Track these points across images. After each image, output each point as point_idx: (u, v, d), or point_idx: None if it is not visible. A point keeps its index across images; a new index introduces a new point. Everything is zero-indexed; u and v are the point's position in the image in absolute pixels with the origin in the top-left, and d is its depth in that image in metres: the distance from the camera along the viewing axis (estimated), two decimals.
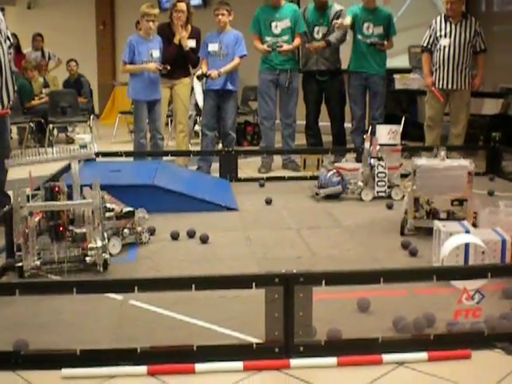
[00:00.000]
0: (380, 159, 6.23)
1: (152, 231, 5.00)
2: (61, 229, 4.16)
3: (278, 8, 7.74)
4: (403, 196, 5.73)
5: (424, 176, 4.89)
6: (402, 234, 4.96)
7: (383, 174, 6.23)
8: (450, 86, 7.78)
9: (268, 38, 7.71)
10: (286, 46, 7.64)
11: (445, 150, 5.04)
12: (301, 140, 8.62)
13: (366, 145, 6.42)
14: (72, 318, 3.48)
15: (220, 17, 7.49)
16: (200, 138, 8.21)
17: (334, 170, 6.31)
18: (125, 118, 11.24)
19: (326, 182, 6.23)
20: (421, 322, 3.18)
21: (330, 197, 6.21)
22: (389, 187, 6.25)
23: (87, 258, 4.07)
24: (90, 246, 4.05)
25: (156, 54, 7.31)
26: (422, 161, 5.01)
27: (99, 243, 4.04)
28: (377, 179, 6.23)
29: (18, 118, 9.81)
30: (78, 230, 4.17)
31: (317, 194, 6.19)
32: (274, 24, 7.70)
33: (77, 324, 3.41)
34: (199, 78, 7.61)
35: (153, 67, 7.27)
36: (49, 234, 4.15)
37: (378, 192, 6.24)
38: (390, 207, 5.84)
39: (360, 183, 6.31)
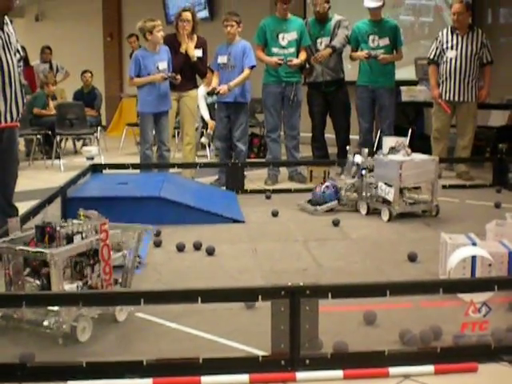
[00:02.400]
0: (370, 170, 6.21)
1: (158, 243, 5.02)
2: None
3: (286, 20, 7.76)
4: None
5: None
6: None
7: (374, 185, 6.20)
8: (456, 98, 7.79)
9: (275, 50, 7.72)
10: (295, 61, 7.65)
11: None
12: (306, 152, 8.63)
13: (350, 157, 6.41)
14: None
15: (229, 28, 7.50)
16: (212, 150, 8.22)
17: (326, 184, 6.34)
18: (132, 130, 11.28)
19: (320, 198, 6.27)
20: (427, 335, 3.17)
21: (331, 210, 6.23)
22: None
23: None
24: None
25: (163, 65, 7.31)
26: (401, 157, 5.91)
27: None
28: (367, 190, 6.21)
29: (26, 130, 9.84)
30: None
31: (315, 211, 6.19)
32: (281, 36, 7.71)
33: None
34: (210, 94, 7.62)
35: (158, 77, 7.27)
36: None
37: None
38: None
39: (354, 195, 6.32)
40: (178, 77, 7.35)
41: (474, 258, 3.75)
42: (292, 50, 7.72)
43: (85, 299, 3.00)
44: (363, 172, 6.22)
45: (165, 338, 3.36)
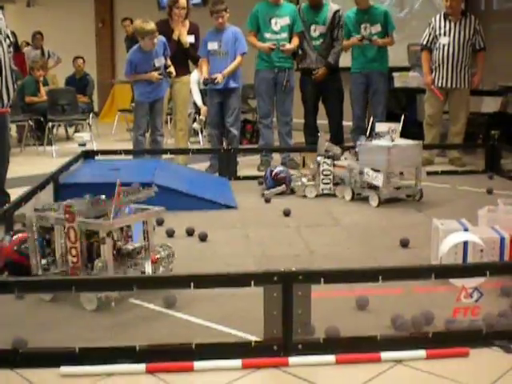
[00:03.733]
0: (327, 157, 6.25)
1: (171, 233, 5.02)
2: None
3: (278, 5, 7.73)
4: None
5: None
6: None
7: (328, 172, 6.25)
8: (449, 85, 7.80)
9: (267, 35, 7.70)
10: (288, 46, 7.64)
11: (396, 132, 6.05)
12: (298, 138, 8.61)
13: (320, 141, 6.44)
14: (71, 316, 3.49)
15: (220, 20, 7.48)
16: (204, 136, 8.19)
17: (280, 168, 6.45)
18: (124, 116, 11.25)
19: (269, 182, 6.37)
20: (419, 320, 3.18)
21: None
22: (334, 184, 6.29)
23: None
24: None
25: (159, 62, 7.22)
26: (388, 142, 5.95)
27: None
28: (322, 176, 6.26)
29: (18, 116, 9.81)
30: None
31: (263, 195, 6.23)
32: (273, 21, 7.69)
33: (75, 322, 3.42)
34: (205, 83, 7.59)
35: (154, 76, 7.21)
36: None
37: (322, 189, 6.28)
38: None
39: (304, 180, 6.36)
40: (173, 72, 7.30)
41: (465, 243, 3.76)
42: (284, 35, 7.70)
43: (79, 285, 3.00)
44: (318, 159, 6.27)
45: (158, 324, 3.36)
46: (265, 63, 7.79)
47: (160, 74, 7.23)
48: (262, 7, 7.81)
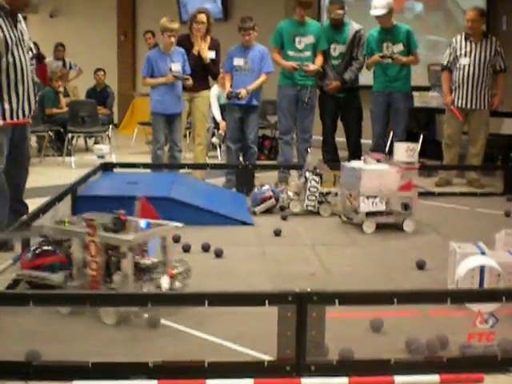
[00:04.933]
0: (315, 174, 6.23)
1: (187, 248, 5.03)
2: None
3: (303, 23, 7.75)
4: (331, 213, 6.17)
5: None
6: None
7: (315, 189, 6.22)
8: (469, 105, 7.77)
9: (290, 53, 7.73)
10: (312, 66, 7.67)
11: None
12: (317, 155, 8.60)
13: (308, 158, 6.42)
14: (85, 329, 3.50)
15: (247, 37, 7.53)
16: (223, 151, 8.21)
17: (265, 186, 6.44)
18: (143, 129, 11.29)
19: (256, 198, 6.37)
20: (434, 344, 3.16)
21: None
22: (319, 202, 6.27)
23: None
24: None
25: (176, 67, 7.31)
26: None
27: None
28: (308, 193, 6.24)
29: (38, 126, 9.87)
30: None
31: (254, 213, 6.24)
32: (297, 39, 7.71)
33: (90, 335, 3.43)
34: (229, 97, 7.62)
35: (170, 77, 7.29)
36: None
37: (307, 205, 6.25)
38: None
39: (290, 194, 6.37)
40: (190, 80, 7.35)
41: (482, 267, 3.74)
42: (308, 53, 7.72)
43: (93, 299, 3.01)
44: (307, 174, 6.26)
45: (171, 340, 3.37)
46: (287, 80, 7.81)
47: (175, 77, 7.28)
48: (286, 24, 7.83)
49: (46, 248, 4.04)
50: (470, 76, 7.73)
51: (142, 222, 3.75)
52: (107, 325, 3.52)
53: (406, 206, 5.86)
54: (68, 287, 3.71)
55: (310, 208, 6.25)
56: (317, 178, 6.23)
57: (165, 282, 3.73)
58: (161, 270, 3.82)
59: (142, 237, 3.70)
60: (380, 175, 5.73)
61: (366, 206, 5.66)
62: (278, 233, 5.55)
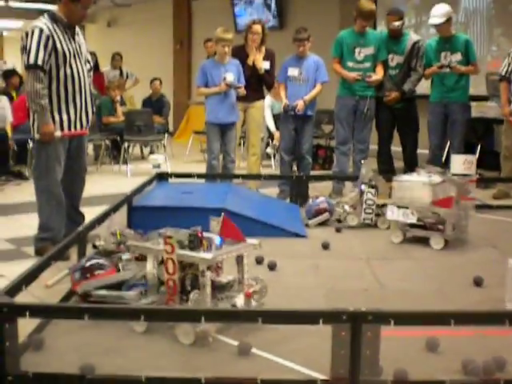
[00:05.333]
0: (371, 186, 6.14)
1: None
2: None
3: (363, 34, 7.70)
4: (389, 226, 5.95)
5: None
6: None
7: (371, 202, 6.15)
8: None
9: (350, 64, 7.69)
10: (374, 77, 7.63)
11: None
12: (372, 165, 8.53)
13: (363, 170, 6.33)
14: (138, 342, 3.52)
15: (301, 48, 7.51)
16: (277, 161, 8.20)
17: (320, 198, 6.40)
18: (198, 138, 11.36)
19: (310, 210, 6.35)
20: (490, 366, 3.09)
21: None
22: (376, 215, 6.19)
23: None
24: None
25: (230, 77, 7.32)
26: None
27: None
28: (364, 206, 6.17)
29: (95, 135, 10.02)
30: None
31: (307, 225, 6.20)
32: (357, 50, 7.67)
33: (150, 350, 3.45)
34: (286, 111, 7.60)
35: (223, 87, 7.31)
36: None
37: (364, 219, 6.18)
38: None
39: (346, 207, 6.28)
40: (243, 90, 7.36)
41: None
42: (368, 64, 7.68)
43: (146, 314, 3.03)
44: (362, 187, 6.18)
45: (224, 356, 3.36)
46: (346, 90, 7.77)
47: (227, 86, 7.30)
48: (346, 35, 7.79)
49: (92, 263, 4.09)
50: None
51: (216, 239, 3.72)
52: (169, 342, 3.52)
53: (439, 222, 5.62)
54: (141, 304, 3.71)
55: (367, 221, 6.20)
56: (373, 191, 6.16)
57: (240, 301, 3.72)
58: (236, 288, 3.81)
59: (220, 255, 3.66)
60: (411, 187, 5.66)
61: (393, 215, 5.63)
62: (326, 246, 5.51)
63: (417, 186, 5.64)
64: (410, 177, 5.88)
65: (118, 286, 3.97)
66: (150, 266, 3.77)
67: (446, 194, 5.58)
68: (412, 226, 5.65)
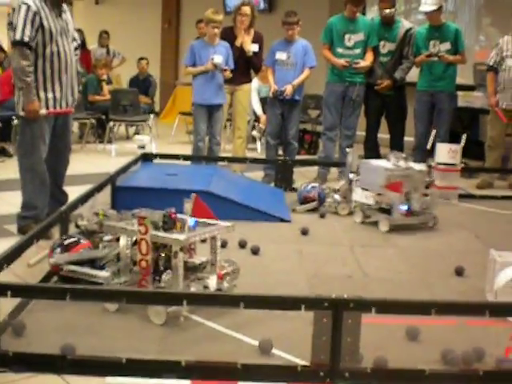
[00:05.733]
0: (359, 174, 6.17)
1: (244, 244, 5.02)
2: None
3: (353, 20, 7.68)
4: (350, 212, 6.10)
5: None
6: None
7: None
8: None
9: (340, 50, 7.67)
10: (362, 63, 7.62)
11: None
12: (358, 151, 8.53)
13: (349, 158, 6.34)
14: (120, 323, 3.52)
15: (290, 32, 7.48)
16: (262, 145, 8.18)
17: (312, 185, 6.40)
18: (184, 119, 11.32)
19: (300, 196, 6.36)
20: (470, 356, 3.12)
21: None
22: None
23: None
24: None
25: (218, 59, 7.28)
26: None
27: None
28: (354, 194, 6.15)
29: (80, 113, 9.94)
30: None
31: (294, 210, 6.20)
32: (347, 36, 7.65)
33: (125, 329, 3.45)
34: (275, 95, 7.57)
35: (209, 66, 7.27)
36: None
37: (354, 207, 6.15)
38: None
39: (337, 197, 6.27)
40: (229, 73, 7.33)
41: None
42: (358, 51, 7.67)
43: (127, 296, 3.03)
44: (351, 176, 6.18)
45: (206, 340, 3.36)
46: (336, 77, 7.75)
47: (214, 66, 7.27)
48: (336, 21, 7.77)
49: (70, 241, 4.08)
50: None
51: (191, 221, 3.72)
52: (142, 321, 3.53)
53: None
54: (114, 284, 3.71)
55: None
56: None
57: (213, 283, 3.73)
58: (209, 269, 3.81)
59: (194, 236, 3.67)
60: (371, 170, 5.82)
61: (357, 196, 5.87)
62: (305, 232, 5.50)
63: (375, 170, 5.77)
64: (375, 161, 6.00)
65: (91, 263, 3.96)
66: (123, 246, 3.77)
67: (400, 179, 5.70)
68: (371, 208, 5.85)
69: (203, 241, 4.11)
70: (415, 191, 5.74)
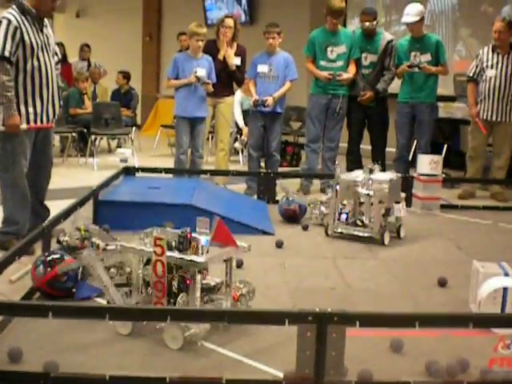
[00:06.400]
0: None
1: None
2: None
3: (335, 33, 7.72)
4: (321, 224, 6.15)
5: None
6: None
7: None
8: (494, 118, 7.70)
9: (322, 63, 7.71)
10: (345, 75, 7.66)
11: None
12: (341, 163, 8.55)
13: (338, 171, 6.37)
14: (104, 339, 3.50)
15: (271, 40, 7.51)
16: (245, 157, 8.18)
17: (293, 196, 6.40)
18: (166, 132, 11.31)
19: (282, 209, 6.36)
20: (454, 368, 3.12)
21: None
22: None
23: None
24: None
25: (201, 72, 7.30)
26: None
27: None
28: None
29: (62, 127, 9.91)
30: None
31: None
32: (329, 49, 7.69)
33: (108, 345, 3.43)
34: (256, 105, 7.58)
35: (192, 79, 7.29)
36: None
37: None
38: None
39: (323, 209, 6.27)
40: (211, 87, 7.35)
41: (505, 289, 3.70)
42: (340, 63, 7.70)
43: (111, 312, 3.01)
44: (338, 188, 6.11)
45: (190, 355, 3.34)
46: (320, 89, 7.79)
47: (196, 78, 7.29)
48: (318, 34, 7.81)
49: (53, 257, 4.08)
50: (496, 88, 7.66)
51: (203, 240, 3.58)
52: (125, 337, 3.51)
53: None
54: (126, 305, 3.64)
55: None
56: None
57: (228, 304, 3.67)
58: (223, 290, 3.75)
59: (212, 259, 3.57)
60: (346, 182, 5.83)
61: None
62: (279, 245, 5.49)
63: (347, 182, 5.79)
64: (353, 173, 6.02)
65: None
66: (135, 267, 3.67)
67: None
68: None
69: None
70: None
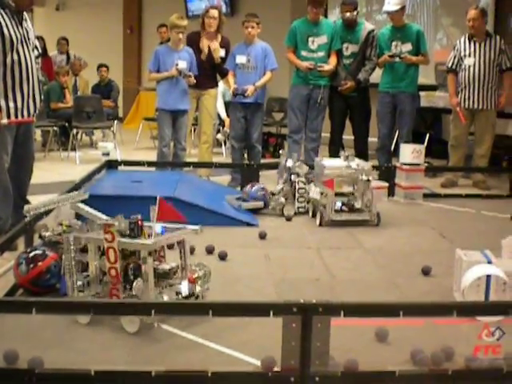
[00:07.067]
0: (299, 175, 6.28)
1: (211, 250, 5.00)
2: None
3: (317, 23, 7.70)
4: (295, 213, 6.25)
5: None
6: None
7: (303, 190, 6.29)
8: (475, 106, 7.74)
9: (304, 53, 7.70)
10: (326, 67, 7.65)
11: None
12: (324, 153, 8.56)
13: (282, 160, 6.40)
14: (89, 334, 3.48)
15: (250, 29, 7.51)
16: (227, 148, 8.18)
17: (260, 185, 6.42)
18: (148, 124, 11.27)
19: (249, 196, 6.35)
20: (439, 356, 3.13)
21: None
22: (308, 202, 6.31)
23: None
24: None
25: (182, 64, 7.29)
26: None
27: None
28: (297, 195, 6.28)
29: (43, 121, 9.86)
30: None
31: (239, 207, 6.22)
32: (311, 39, 7.68)
33: (94, 340, 3.41)
34: (235, 94, 7.56)
35: (173, 72, 7.28)
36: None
37: (298, 207, 6.29)
38: None
39: (282, 199, 6.30)
40: (193, 79, 7.32)
41: (488, 277, 3.71)
42: (322, 53, 7.69)
43: (95, 307, 3.00)
44: (292, 177, 6.30)
45: (174, 347, 3.34)
46: (300, 79, 7.79)
47: (178, 71, 7.29)
48: (300, 24, 7.79)
49: (35, 253, 4.05)
50: (476, 76, 7.70)
51: (158, 227, 3.67)
52: (109, 332, 3.50)
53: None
54: (85, 296, 3.66)
55: (301, 210, 6.30)
56: (303, 179, 6.30)
57: (185, 288, 3.69)
58: (180, 275, 3.77)
59: (162, 241, 3.64)
60: (320, 168, 6.15)
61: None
62: (263, 236, 5.49)
63: (320, 168, 6.06)
64: (328, 160, 6.30)
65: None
66: (91, 256, 3.70)
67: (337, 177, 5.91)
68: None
69: (171, 247, 4.11)
70: (355, 189, 5.96)
